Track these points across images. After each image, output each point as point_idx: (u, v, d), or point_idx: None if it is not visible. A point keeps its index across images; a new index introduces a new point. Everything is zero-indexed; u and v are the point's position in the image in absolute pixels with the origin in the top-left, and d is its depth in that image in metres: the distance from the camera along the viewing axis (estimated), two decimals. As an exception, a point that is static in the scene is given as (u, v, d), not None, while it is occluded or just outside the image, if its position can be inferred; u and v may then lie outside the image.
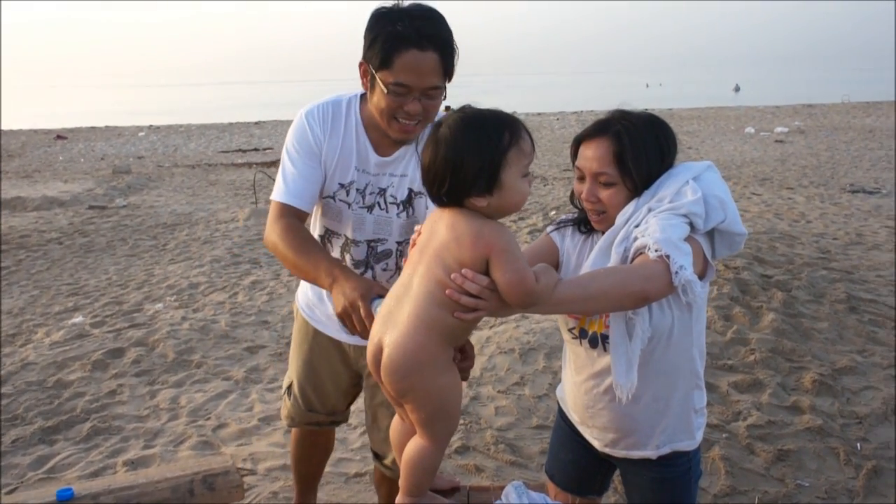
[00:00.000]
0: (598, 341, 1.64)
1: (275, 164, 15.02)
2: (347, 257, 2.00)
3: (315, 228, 2.07)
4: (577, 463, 1.89)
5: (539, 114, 31.76)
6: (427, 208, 1.91)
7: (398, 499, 1.51)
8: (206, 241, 7.87)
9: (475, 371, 3.97)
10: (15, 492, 2.98)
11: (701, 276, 1.55)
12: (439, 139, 1.35)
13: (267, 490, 3.00)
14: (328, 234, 2.03)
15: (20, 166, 16.56)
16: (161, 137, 24.84)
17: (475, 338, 4.45)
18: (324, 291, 1.98)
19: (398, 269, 1.99)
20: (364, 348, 1.53)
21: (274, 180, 2.58)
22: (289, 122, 2.64)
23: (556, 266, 1.75)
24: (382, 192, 1.94)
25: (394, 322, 1.39)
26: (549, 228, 1.82)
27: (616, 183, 1.59)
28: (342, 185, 1.94)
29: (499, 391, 3.79)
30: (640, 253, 1.49)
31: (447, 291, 1.32)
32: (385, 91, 1.73)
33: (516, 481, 1.72)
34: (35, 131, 28.70)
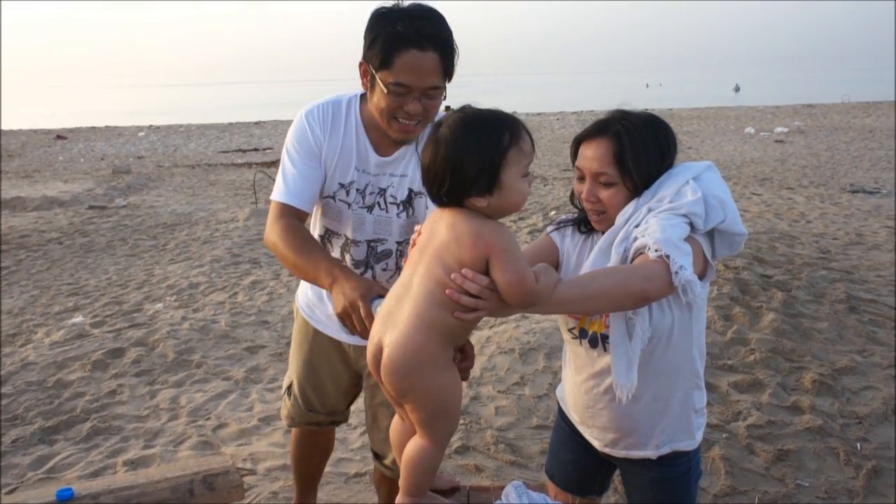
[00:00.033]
0: (598, 341, 1.65)
1: (275, 164, 15.02)
2: (347, 257, 2.00)
3: (315, 228, 2.07)
4: (577, 463, 1.89)
5: (539, 114, 31.77)
6: (427, 208, 1.91)
7: (398, 499, 1.51)
8: (206, 241, 7.87)
9: (475, 371, 3.97)
10: (15, 492, 2.98)
11: (701, 276, 1.55)
12: (439, 139, 1.35)
13: (267, 490, 3.00)
14: (328, 234, 2.03)
15: (20, 166, 16.57)
16: (161, 137, 24.84)
17: (475, 338, 4.45)
18: (324, 291, 1.98)
19: (398, 269, 1.99)
20: (364, 348, 1.53)
21: (274, 180, 2.58)
22: (289, 122, 2.64)
23: (556, 266, 1.75)
24: (382, 192, 1.94)
25: (394, 322, 1.39)
26: (549, 228, 1.82)
27: (616, 183, 1.59)
28: (342, 185, 1.94)
29: (499, 391, 3.79)
30: (640, 253, 1.49)
31: (447, 291, 1.32)
32: (385, 91, 1.73)
33: (516, 481, 1.72)
34: (35, 131, 28.70)
